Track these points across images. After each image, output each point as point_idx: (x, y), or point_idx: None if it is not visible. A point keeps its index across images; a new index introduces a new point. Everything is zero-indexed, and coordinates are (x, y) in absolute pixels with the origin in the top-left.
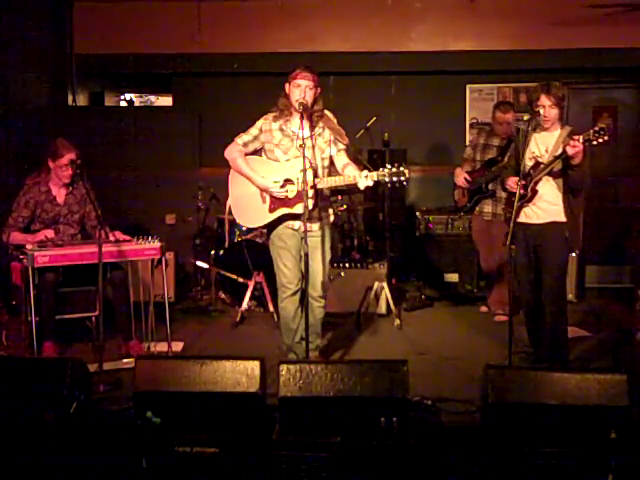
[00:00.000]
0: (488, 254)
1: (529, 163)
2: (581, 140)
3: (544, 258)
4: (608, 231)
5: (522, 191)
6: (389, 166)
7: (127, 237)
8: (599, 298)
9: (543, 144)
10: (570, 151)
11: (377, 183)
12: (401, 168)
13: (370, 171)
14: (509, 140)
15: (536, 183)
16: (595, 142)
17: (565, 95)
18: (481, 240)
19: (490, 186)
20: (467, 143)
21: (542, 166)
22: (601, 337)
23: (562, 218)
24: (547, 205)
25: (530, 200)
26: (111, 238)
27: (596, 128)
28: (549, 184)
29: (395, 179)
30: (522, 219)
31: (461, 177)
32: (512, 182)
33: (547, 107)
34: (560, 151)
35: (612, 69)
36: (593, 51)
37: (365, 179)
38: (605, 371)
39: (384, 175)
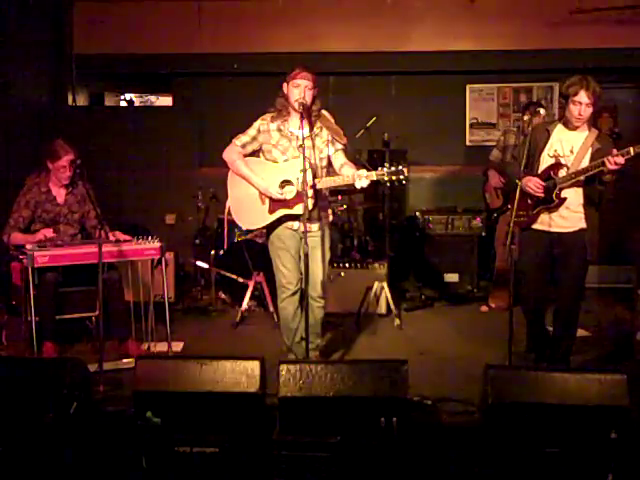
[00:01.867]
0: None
1: (549, 161)
2: (632, 152)
3: (566, 264)
4: (608, 231)
5: (543, 195)
6: (388, 165)
7: (127, 237)
8: (599, 298)
9: (567, 142)
10: (611, 167)
11: (377, 182)
12: (400, 167)
13: (369, 171)
14: None
15: (561, 190)
16: None
17: (602, 93)
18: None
19: None
20: (467, 143)
21: (571, 173)
22: (601, 337)
23: (584, 224)
24: (569, 213)
25: (556, 208)
26: (111, 238)
27: None
28: (572, 191)
29: (394, 178)
30: (538, 226)
31: (496, 178)
32: (535, 185)
33: (584, 105)
34: (590, 160)
35: (612, 69)
36: (593, 51)
37: (363, 179)
38: (605, 371)
39: (383, 174)
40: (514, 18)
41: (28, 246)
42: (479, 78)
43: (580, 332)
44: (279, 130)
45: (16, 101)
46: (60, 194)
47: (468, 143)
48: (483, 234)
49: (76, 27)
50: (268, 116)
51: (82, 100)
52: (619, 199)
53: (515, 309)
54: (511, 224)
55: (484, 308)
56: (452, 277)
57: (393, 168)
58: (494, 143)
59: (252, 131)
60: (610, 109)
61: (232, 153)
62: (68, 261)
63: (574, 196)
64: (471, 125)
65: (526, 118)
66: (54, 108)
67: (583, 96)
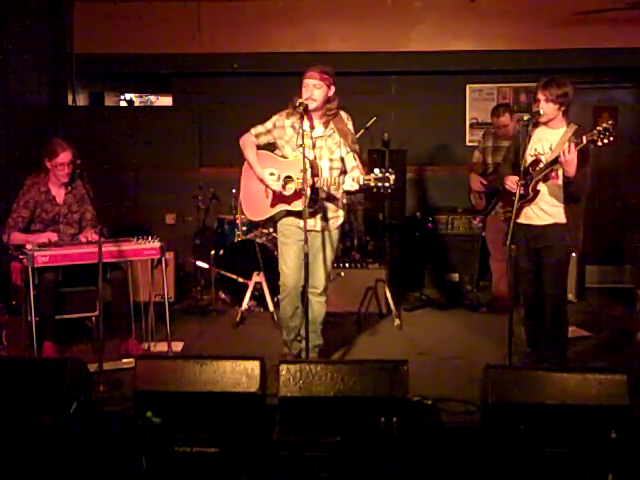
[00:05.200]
0: (500, 254)
1: (529, 159)
2: (585, 141)
3: (546, 260)
4: (608, 231)
5: (522, 191)
6: (377, 171)
7: (96, 237)
8: (599, 298)
9: (547, 141)
10: (561, 157)
11: (365, 187)
12: (387, 174)
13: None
14: None
15: (537, 183)
16: (600, 143)
17: (568, 92)
18: (496, 240)
19: None
20: (467, 143)
21: (542, 166)
22: (601, 337)
23: (563, 219)
24: (548, 206)
25: (532, 200)
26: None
27: (599, 128)
28: (551, 186)
29: (380, 184)
30: (522, 220)
31: (477, 182)
32: (512, 181)
33: (542, 102)
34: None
35: (612, 69)
36: (593, 51)
37: (351, 182)
38: (605, 371)
39: (369, 180)
40: (514, 18)
41: (28, 246)
42: (479, 78)
43: (580, 332)
44: (293, 127)
45: (16, 101)
46: (60, 194)
47: (468, 143)
48: (483, 234)
49: (76, 27)
50: (285, 112)
51: (82, 100)
52: (618, 199)
53: (515, 309)
54: (511, 225)
55: (484, 308)
56: (452, 277)
57: (380, 174)
58: (505, 144)
59: (268, 124)
60: (610, 109)
61: (246, 140)
62: (68, 261)
63: (553, 191)
64: (471, 125)
65: (526, 118)
66: (54, 108)
67: (539, 94)
